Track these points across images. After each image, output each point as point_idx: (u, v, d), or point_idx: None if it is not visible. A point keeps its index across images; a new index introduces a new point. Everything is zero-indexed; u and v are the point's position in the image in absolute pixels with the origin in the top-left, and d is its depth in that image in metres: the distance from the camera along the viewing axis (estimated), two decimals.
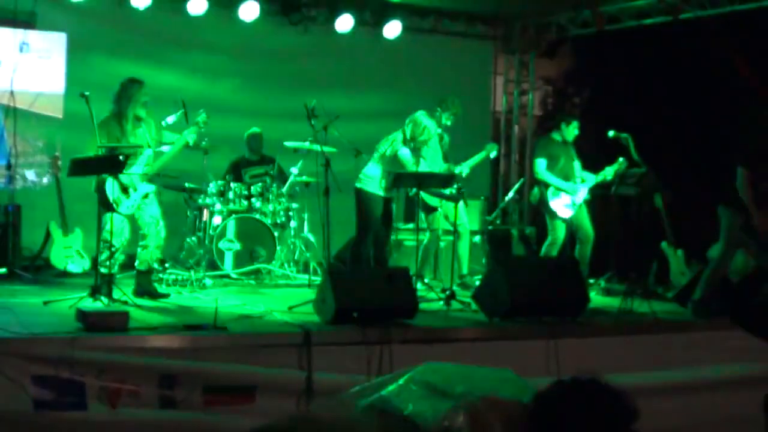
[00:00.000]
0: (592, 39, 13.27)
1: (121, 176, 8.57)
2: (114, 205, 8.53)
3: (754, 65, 10.98)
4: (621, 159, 10.32)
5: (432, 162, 10.18)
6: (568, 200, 10.51)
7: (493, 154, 10.85)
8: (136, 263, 8.93)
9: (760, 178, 8.27)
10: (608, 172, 10.49)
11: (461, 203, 9.80)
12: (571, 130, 10.68)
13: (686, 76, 12.46)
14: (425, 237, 10.34)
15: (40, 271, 10.44)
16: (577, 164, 10.72)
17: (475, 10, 13.30)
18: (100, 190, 8.54)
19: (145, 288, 8.83)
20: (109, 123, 8.71)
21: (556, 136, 10.77)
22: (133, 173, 8.66)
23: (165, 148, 9.12)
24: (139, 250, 8.86)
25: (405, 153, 9.79)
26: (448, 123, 10.53)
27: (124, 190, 8.63)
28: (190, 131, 9.10)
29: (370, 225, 9.90)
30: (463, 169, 10.41)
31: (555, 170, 10.57)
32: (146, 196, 8.79)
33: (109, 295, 8.02)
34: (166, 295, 8.87)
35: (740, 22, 11.37)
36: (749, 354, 7.93)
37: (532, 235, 12.34)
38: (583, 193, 10.55)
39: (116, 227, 8.51)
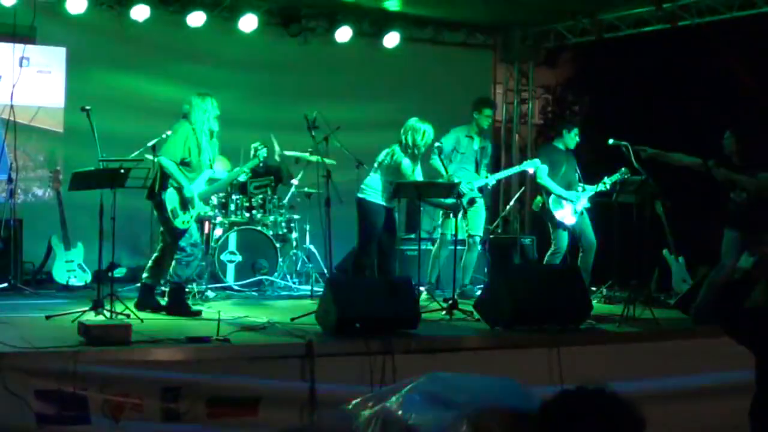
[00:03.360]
0: (591, 47, 13.30)
1: (185, 190, 8.58)
2: (171, 216, 8.55)
3: (754, 72, 11.02)
4: (623, 169, 10.30)
5: (465, 168, 10.19)
6: (569, 208, 10.51)
7: (532, 171, 10.81)
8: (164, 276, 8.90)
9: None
10: (607, 182, 10.49)
11: (481, 212, 9.89)
12: (573, 137, 10.69)
13: (685, 84, 12.49)
14: (435, 245, 10.37)
15: (41, 285, 10.45)
16: (577, 172, 10.72)
17: (474, 20, 13.32)
18: (160, 202, 8.57)
19: (178, 302, 8.77)
20: (188, 134, 8.67)
21: (558, 143, 10.78)
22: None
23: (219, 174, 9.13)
24: (174, 264, 8.76)
25: (404, 161, 9.80)
26: (485, 126, 10.54)
27: (184, 204, 8.63)
28: (246, 167, 9.19)
29: (372, 235, 9.89)
30: (491, 179, 10.45)
31: (557, 178, 10.57)
32: (199, 215, 8.88)
33: (111, 308, 8.01)
34: (197, 313, 8.73)
35: (739, 28, 11.39)
36: (752, 361, 7.92)
37: (533, 244, 12.34)
38: (583, 201, 10.54)
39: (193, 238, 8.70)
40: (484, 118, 10.54)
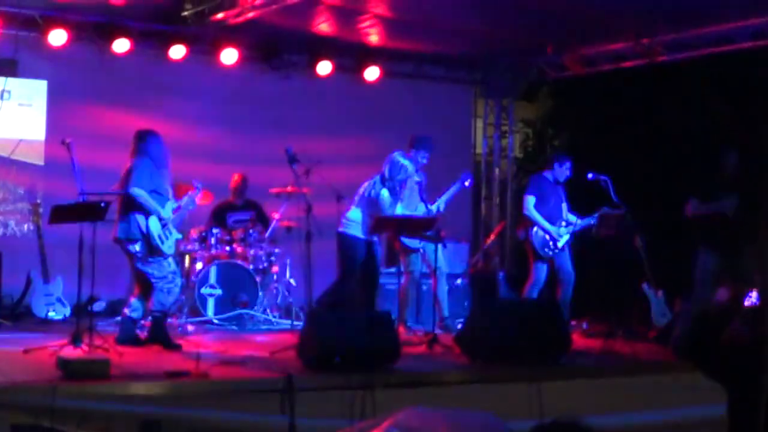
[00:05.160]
0: (571, 82, 13.38)
1: (162, 214, 8.65)
2: (159, 242, 8.59)
3: (731, 107, 11.11)
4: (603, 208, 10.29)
5: (410, 203, 10.19)
6: (550, 241, 10.51)
7: (468, 183, 10.73)
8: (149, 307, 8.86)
9: None
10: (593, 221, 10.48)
11: (440, 246, 9.83)
12: (564, 171, 10.66)
13: (664, 118, 12.56)
14: (404, 279, 10.36)
15: (20, 318, 10.39)
16: (565, 205, 10.72)
17: (455, 55, 13.39)
18: (145, 232, 8.58)
19: (161, 332, 8.77)
20: (150, 167, 8.72)
21: (548, 175, 10.75)
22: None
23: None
24: (156, 293, 8.74)
25: (384, 194, 9.79)
26: (424, 161, 10.54)
27: (164, 228, 8.69)
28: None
29: (352, 269, 9.88)
30: (440, 204, 10.41)
31: (544, 209, 10.55)
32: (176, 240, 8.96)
33: (90, 342, 7.97)
34: (178, 346, 8.73)
35: (717, 64, 11.48)
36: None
37: (513, 278, 12.35)
38: (566, 237, 10.54)
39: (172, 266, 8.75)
40: (421, 157, 10.48)
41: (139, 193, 8.57)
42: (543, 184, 10.71)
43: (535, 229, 10.54)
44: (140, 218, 8.60)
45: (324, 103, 12.83)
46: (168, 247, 8.72)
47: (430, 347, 8.84)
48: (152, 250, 8.64)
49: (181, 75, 12.06)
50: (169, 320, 9.37)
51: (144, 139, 8.85)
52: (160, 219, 8.65)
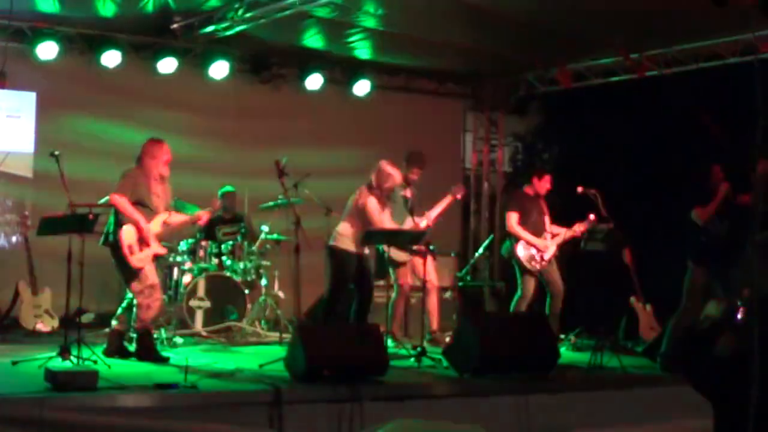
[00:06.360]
0: (561, 96, 13.43)
1: (145, 223, 8.59)
2: (128, 252, 8.53)
3: (719, 122, 11.16)
4: (591, 217, 10.37)
5: (397, 217, 10.19)
6: (537, 255, 10.55)
7: (460, 196, 10.71)
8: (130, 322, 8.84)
9: None
10: (578, 229, 10.53)
11: (429, 259, 9.83)
12: (543, 184, 10.74)
13: (652, 133, 12.61)
14: (393, 292, 10.36)
15: (8, 330, 10.36)
16: (547, 218, 10.78)
17: (445, 69, 13.43)
18: (115, 241, 8.55)
19: (146, 348, 8.72)
20: (138, 177, 8.70)
21: (528, 189, 10.81)
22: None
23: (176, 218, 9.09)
24: (136, 308, 8.71)
25: (371, 202, 9.75)
26: (415, 178, 10.56)
27: (140, 241, 8.62)
28: (206, 211, 9.12)
29: (342, 283, 9.86)
30: (428, 219, 10.41)
31: (527, 224, 10.61)
32: (156, 257, 8.85)
33: (78, 354, 7.96)
34: (166, 358, 8.66)
35: (705, 78, 11.54)
36: None
37: (502, 291, 12.37)
38: (552, 249, 10.59)
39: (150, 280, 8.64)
40: (413, 173, 10.52)
41: (117, 200, 8.57)
42: (523, 200, 10.78)
43: (520, 243, 10.57)
44: (116, 228, 8.59)
45: (314, 116, 12.86)
46: (137, 259, 8.60)
47: (419, 360, 8.84)
48: (120, 259, 8.63)
49: (171, 87, 12.07)
50: (156, 332, 9.35)
51: (141, 149, 8.86)
52: (139, 230, 8.61)
